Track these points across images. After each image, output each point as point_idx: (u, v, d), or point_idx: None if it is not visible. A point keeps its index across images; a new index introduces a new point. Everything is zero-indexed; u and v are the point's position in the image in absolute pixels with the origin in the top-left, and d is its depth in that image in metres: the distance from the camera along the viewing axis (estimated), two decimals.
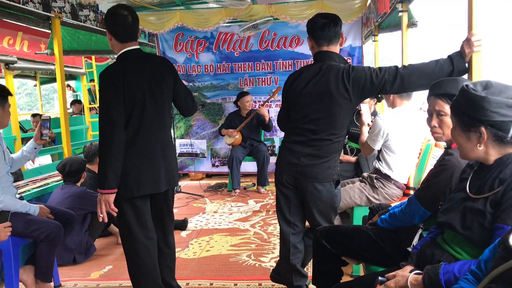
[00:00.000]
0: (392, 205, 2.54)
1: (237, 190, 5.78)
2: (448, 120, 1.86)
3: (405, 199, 2.14)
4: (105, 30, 2.45)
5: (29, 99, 26.63)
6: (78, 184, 3.58)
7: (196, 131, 6.76)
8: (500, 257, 1.07)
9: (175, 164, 2.56)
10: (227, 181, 6.17)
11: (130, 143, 2.29)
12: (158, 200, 2.51)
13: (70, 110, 8.92)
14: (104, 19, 2.38)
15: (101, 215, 2.29)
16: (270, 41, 6.42)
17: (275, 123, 5.67)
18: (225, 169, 6.72)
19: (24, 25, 4.09)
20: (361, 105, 3.36)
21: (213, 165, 6.82)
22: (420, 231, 2.00)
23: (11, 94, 2.82)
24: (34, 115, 7.63)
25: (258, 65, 6.51)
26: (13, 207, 2.72)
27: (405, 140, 2.98)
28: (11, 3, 3.49)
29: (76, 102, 9.11)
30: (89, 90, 8.72)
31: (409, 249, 1.88)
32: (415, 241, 1.94)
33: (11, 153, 3.01)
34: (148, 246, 2.43)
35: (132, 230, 2.39)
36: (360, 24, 6.11)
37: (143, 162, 2.34)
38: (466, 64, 2.04)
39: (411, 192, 2.99)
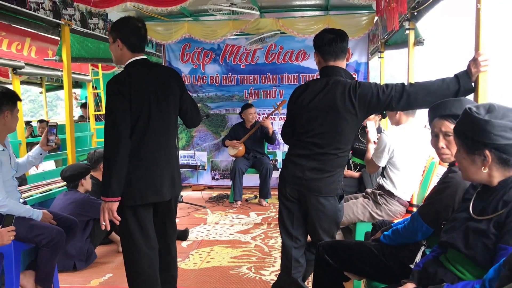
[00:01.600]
0: (395, 221, 2.54)
1: (239, 202, 5.77)
2: None
3: (408, 216, 2.14)
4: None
5: (32, 105, 26.76)
6: (82, 190, 3.59)
7: (197, 142, 6.77)
8: (505, 276, 1.07)
9: (178, 173, 2.56)
10: (229, 193, 6.16)
11: (135, 151, 2.29)
12: (161, 209, 2.50)
13: (77, 116, 8.92)
14: (117, 28, 2.37)
15: (104, 223, 2.28)
16: (276, 54, 6.48)
17: (278, 136, 5.69)
18: (225, 182, 6.72)
19: (32, 31, 4.13)
20: (367, 122, 3.37)
21: (213, 178, 6.82)
22: (423, 248, 2.00)
23: (20, 99, 2.85)
24: (40, 121, 7.65)
25: (263, 77, 6.56)
26: (17, 212, 2.72)
27: (410, 157, 2.98)
28: (23, 9, 3.54)
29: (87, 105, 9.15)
30: None
31: (412, 266, 1.87)
32: (418, 258, 1.94)
33: (16, 157, 3.03)
34: (149, 255, 2.41)
35: (134, 238, 2.38)
36: (367, 40, 6.17)
37: (147, 170, 2.34)
38: (473, 84, 2.05)
39: (414, 209, 2.98)
